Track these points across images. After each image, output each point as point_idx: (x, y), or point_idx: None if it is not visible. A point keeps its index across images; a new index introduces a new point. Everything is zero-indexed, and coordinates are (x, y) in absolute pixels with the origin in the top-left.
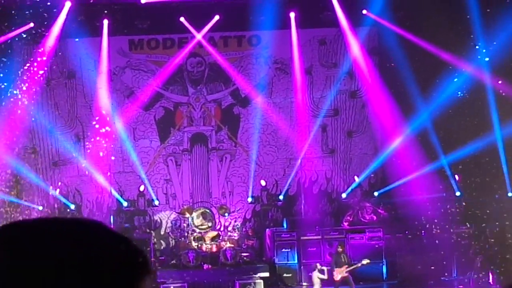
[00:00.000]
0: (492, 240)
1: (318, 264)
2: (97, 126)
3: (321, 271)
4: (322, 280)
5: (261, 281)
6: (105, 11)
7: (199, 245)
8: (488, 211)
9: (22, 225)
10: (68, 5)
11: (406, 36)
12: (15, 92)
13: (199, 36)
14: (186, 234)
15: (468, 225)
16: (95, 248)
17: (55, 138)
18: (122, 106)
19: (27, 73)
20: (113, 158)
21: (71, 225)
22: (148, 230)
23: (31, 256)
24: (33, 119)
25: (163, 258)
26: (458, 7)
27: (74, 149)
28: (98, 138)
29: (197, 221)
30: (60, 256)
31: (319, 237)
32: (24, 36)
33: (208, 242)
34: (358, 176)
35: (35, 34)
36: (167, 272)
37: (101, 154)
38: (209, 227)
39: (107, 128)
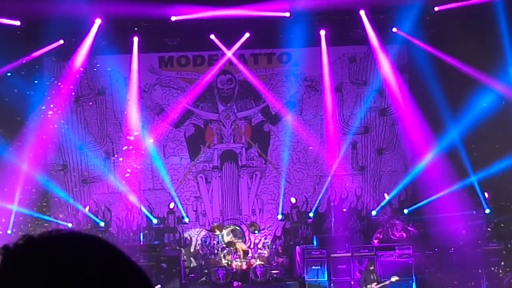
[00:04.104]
0: None
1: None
2: (127, 143)
3: None
4: None
5: None
6: (135, 28)
7: (229, 263)
8: None
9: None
10: (98, 22)
11: (436, 54)
12: (44, 108)
13: (229, 54)
14: (216, 251)
15: (497, 243)
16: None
17: (85, 155)
18: (152, 123)
19: (57, 90)
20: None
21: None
22: (177, 248)
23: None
24: (63, 136)
25: (193, 275)
26: (488, 26)
27: (104, 166)
28: (128, 156)
29: (227, 238)
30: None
31: (349, 254)
32: (54, 53)
33: (238, 247)
34: (388, 194)
35: (65, 51)
36: None
37: (128, 171)
38: None
39: (137, 145)
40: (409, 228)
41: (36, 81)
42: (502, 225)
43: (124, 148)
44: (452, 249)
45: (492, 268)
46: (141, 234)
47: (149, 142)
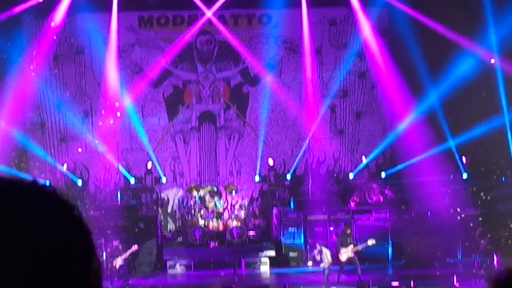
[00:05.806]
0: (498, 223)
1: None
2: (105, 102)
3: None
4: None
5: (267, 259)
6: None
7: (206, 223)
8: (494, 194)
9: None
10: None
11: (417, 17)
12: (23, 66)
13: (209, 14)
14: (193, 211)
15: (474, 208)
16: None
17: (63, 114)
18: (130, 83)
19: (36, 48)
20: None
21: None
22: (155, 208)
23: None
24: (41, 94)
25: (169, 235)
26: None
27: (82, 125)
28: (106, 115)
29: (207, 198)
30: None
31: (326, 217)
32: (33, 11)
33: (218, 203)
34: (366, 158)
35: (44, 9)
36: (174, 250)
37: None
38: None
39: (115, 104)
40: (386, 192)
41: (15, 39)
42: (478, 190)
43: (102, 108)
44: (429, 213)
45: (469, 233)
46: (119, 193)
47: (128, 101)
